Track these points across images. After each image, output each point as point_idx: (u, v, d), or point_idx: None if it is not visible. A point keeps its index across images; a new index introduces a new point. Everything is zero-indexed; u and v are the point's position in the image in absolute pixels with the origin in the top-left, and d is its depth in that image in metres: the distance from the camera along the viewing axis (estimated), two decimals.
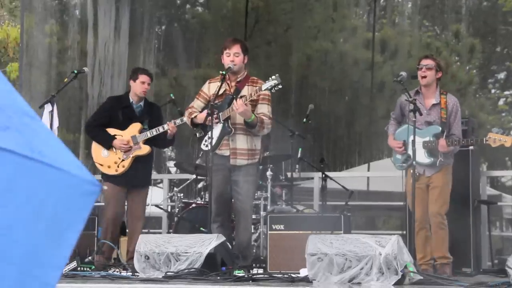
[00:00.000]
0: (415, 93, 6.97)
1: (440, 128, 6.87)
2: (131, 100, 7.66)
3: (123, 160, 7.51)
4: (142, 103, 7.70)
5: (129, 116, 7.59)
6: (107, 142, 7.54)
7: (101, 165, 7.59)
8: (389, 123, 7.27)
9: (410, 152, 6.93)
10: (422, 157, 6.83)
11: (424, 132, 6.86)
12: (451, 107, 6.97)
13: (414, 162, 6.58)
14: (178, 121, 7.41)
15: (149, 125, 7.56)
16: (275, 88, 6.66)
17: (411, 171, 6.82)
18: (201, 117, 6.92)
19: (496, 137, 6.64)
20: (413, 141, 6.63)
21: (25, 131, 1.61)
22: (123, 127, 7.58)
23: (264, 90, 6.68)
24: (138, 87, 7.60)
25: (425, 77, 6.94)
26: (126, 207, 7.79)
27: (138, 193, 7.59)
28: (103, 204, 7.90)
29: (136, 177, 7.52)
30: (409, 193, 6.86)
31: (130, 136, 7.54)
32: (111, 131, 7.58)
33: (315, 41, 13.69)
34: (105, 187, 7.13)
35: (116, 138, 7.53)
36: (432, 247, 6.88)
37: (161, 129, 7.45)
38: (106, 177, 7.59)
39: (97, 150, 7.62)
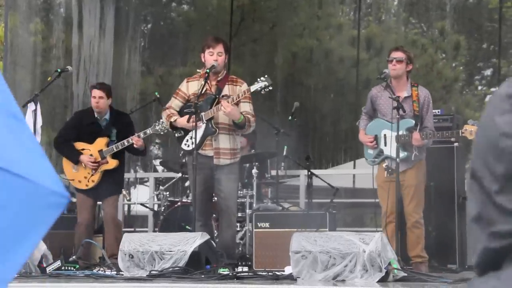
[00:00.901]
0: (386, 87, 6.89)
1: (414, 122, 6.77)
2: (96, 115, 7.72)
3: (92, 175, 7.62)
4: (107, 116, 7.74)
5: (95, 130, 7.67)
6: (74, 158, 7.65)
7: (72, 179, 7.74)
8: (361, 118, 7.18)
9: (382, 146, 6.89)
10: (395, 151, 6.71)
11: (394, 126, 6.69)
12: (422, 99, 6.85)
13: (398, 159, 6.54)
14: (141, 134, 7.46)
15: (117, 136, 7.63)
16: (265, 90, 6.67)
17: (383, 165, 6.80)
18: (181, 122, 6.89)
19: (472, 129, 6.49)
20: (397, 137, 6.59)
21: (1, 135, 1.58)
22: (91, 141, 7.66)
23: (253, 91, 6.69)
24: (92, 102, 7.66)
25: (394, 70, 6.81)
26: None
27: (109, 199, 7.72)
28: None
29: (107, 189, 7.67)
30: (380, 188, 6.84)
31: (98, 151, 7.61)
32: (80, 145, 7.69)
33: (301, 38, 13.67)
34: (74, 200, 7.29)
35: (83, 153, 7.61)
36: (408, 246, 6.78)
37: (126, 143, 7.52)
38: (78, 190, 7.77)
39: (67, 165, 7.75)
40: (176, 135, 7.08)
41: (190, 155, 6.91)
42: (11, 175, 1.53)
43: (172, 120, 6.97)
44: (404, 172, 6.75)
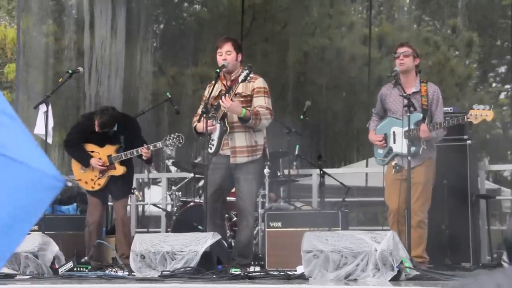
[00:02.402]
0: (394, 84, 6.82)
1: (422, 115, 6.63)
2: None
3: (98, 178, 7.68)
4: (115, 127, 7.72)
5: (103, 136, 7.66)
6: (85, 161, 7.69)
7: (79, 180, 7.80)
8: (371, 119, 7.08)
9: (391, 144, 6.81)
10: (405, 148, 6.58)
11: (404, 122, 6.57)
12: (431, 95, 6.74)
13: (409, 158, 6.48)
14: (151, 147, 7.49)
15: (125, 141, 7.65)
16: (248, 77, 6.63)
17: (392, 164, 6.73)
18: (200, 128, 6.92)
19: (477, 112, 6.33)
20: (408, 132, 6.51)
21: None
22: (100, 144, 7.69)
23: (240, 82, 6.66)
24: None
25: (403, 63, 6.72)
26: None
27: (118, 201, 7.77)
28: None
29: (116, 192, 7.71)
30: (388, 186, 6.78)
31: (107, 156, 7.66)
32: (90, 147, 7.73)
33: (312, 37, 13.67)
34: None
35: (93, 156, 7.66)
36: (410, 245, 6.50)
37: (135, 153, 7.52)
38: (86, 191, 7.84)
39: (76, 165, 7.81)
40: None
41: (213, 157, 6.92)
42: (7, 159, 1.55)
43: (193, 126, 7.02)
44: (413, 169, 6.58)
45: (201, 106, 7.00)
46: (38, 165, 1.60)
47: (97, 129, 7.52)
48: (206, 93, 7.03)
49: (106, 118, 7.52)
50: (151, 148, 7.47)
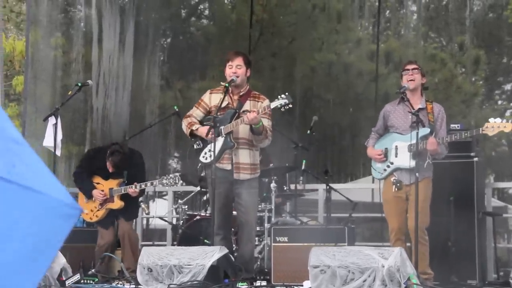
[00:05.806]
0: (400, 101, 6.81)
1: (429, 129, 6.64)
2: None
3: (98, 210, 7.95)
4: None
5: (108, 170, 7.95)
6: (88, 193, 7.99)
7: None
8: (370, 137, 7.10)
9: (392, 159, 6.81)
10: (406, 161, 6.62)
11: (409, 137, 6.60)
12: (437, 113, 6.78)
13: (417, 174, 6.46)
14: (148, 184, 7.73)
15: (128, 175, 7.92)
16: (285, 108, 6.64)
17: (392, 179, 6.72)
18: (202, 132, 6.88)
19: (494, 125, 6.30)
20: (416, 148, 6.50)
21: (7, 155, 1.60)
22: (105, 176, 7.99)
23: (273, 107, 6.66)
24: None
25: (413, 80, 6.76)
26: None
27: (124, 222, 7.96)
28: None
29: (123, 213, 7.94)
30: (387, 203, 6.77)
31: (109, 188, 7.95)
32: (95, 179, 8.05)
33: (320, 53, 13.70)
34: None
35: (97, 188, 7.97)
36: (417, 261, 6.42)
37: (128, 189, 7.84)
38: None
39: (81, 194, 8.10)
40: (194, 146, 7.07)
41: (208, 169, 6.91)
42: (22, 188, 1.55)
43: (193, 128, 6.96)
44: (411, 186, 6.60)
45: (196, 109, 7.01)
46: (54, 194, 1.61)
47: (111, 170, 7.84)
48: (207, 100, 7.03)
49: (118, 159, 7.81)
50: (148, 184, 7.72)
